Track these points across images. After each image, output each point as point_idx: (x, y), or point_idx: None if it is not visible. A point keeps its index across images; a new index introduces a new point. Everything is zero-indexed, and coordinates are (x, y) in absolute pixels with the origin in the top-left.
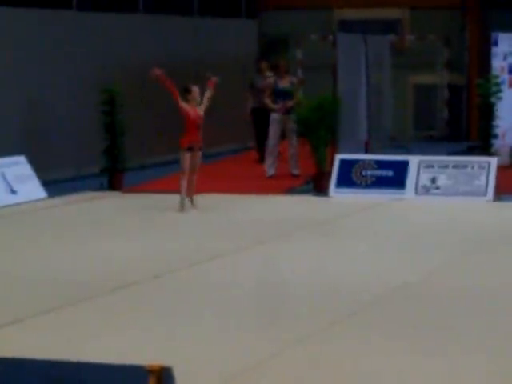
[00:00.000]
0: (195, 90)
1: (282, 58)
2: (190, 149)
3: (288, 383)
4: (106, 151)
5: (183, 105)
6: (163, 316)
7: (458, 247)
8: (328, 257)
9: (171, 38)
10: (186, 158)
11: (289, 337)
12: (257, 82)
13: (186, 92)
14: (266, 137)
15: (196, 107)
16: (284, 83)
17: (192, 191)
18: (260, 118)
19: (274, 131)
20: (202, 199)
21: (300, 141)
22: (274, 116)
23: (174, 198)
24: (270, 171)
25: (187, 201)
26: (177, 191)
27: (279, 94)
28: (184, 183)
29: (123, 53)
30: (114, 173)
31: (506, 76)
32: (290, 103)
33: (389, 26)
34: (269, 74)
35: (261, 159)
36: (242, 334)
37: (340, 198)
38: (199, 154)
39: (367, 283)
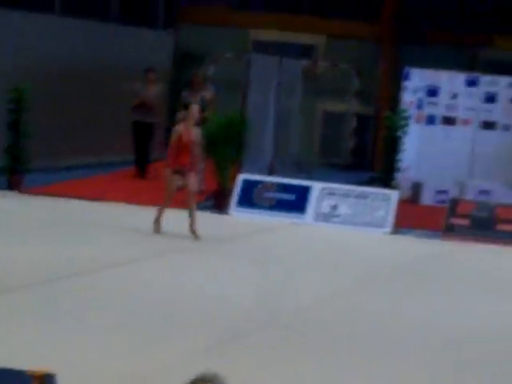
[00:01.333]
0: (195, 108)
1: (195, 74)
2: (177, 172)
3: None
4: (7, 150)
5: (177, 127)
6: (49, 321)
7: (347, 277)
8: (218, 277)
9: (85, 42)
10: (172, 181)
11: (172, 353)
12: (142, 92)
13: (185, 109)
14: (146, 152)
15: (190, 129)
16: (195, 98)
17: (193, 220)
18: (141, 132)
19: None
20: (100, 207)
21: (206, 157)
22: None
23: (72, 203)
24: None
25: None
26: (73, 196)
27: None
28: (164, 206)
29: (37, 53)
30: (13, 172)
31: (413, 110)
32: (206, 114)
33: (303, 51)
34: (154, 85)
35: (141, 174)
36: (128, 344)
37: (239, 217)
38: (192, 176)
39: (252, 307)
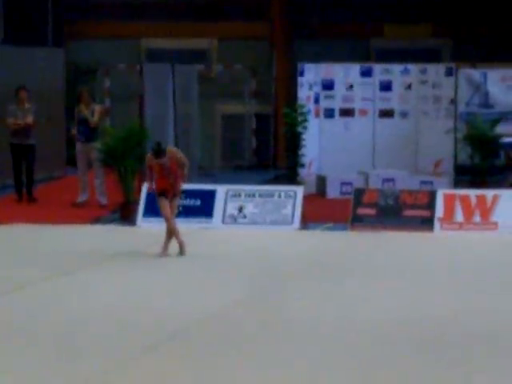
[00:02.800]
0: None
1: (81, 90)
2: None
3: None
4: None
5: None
6: None
7: (261, 277)
8: (130, 289)
9: None
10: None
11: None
12: (13, 113)
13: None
14: (30, 175)
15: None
16: (87, 112)
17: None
18: (18, 155)
19: (79, 162)
20: (6, 229)
21: (107, 170)
22: (78, 146)
23: None
24: (82, 197)
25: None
26: None
27: (80, 123)
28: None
29: None
30: None
31: (311, 105)
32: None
33: (197, 56)
34: (27, 104)
35: (20, 198)
36: (48, 366)
37: (147, 227)
38: (175, 200)
39: (165, 317)
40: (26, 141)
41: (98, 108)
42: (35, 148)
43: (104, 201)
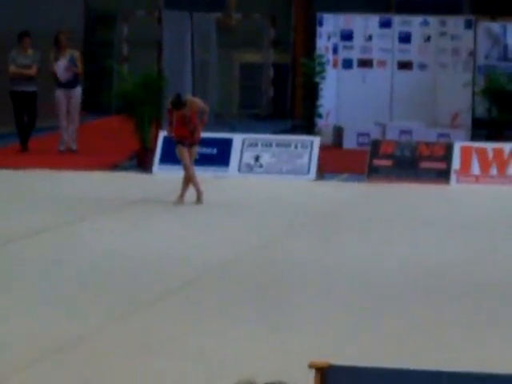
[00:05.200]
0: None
1: (60, 32)
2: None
3: (113, 356)
4: None
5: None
6: None
7: (276, 226)
8: (146, 236)
9: None
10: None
11: (112, 312)
12: (17, 60)
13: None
14: (31, 124)
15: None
16: (64, 58)
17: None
18: (20, 103)
19: (60, 109)
20: (21, 175)
21: (124, 116)
22: (59, 93)
23: None
24: (61, 146)
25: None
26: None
27: (60, 68)
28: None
29: None
30: None
31: (330, 56)
32: (74, 69)
33: (215, 4)
34: (30, 51)
35: (24, 148)
36: (64, 310)
37: (163, 175)
38: (193, 148)
39: (187, 261)
40: (28, 88)
41: (77, 54)
42: (37, 95)
43: (74, 147)
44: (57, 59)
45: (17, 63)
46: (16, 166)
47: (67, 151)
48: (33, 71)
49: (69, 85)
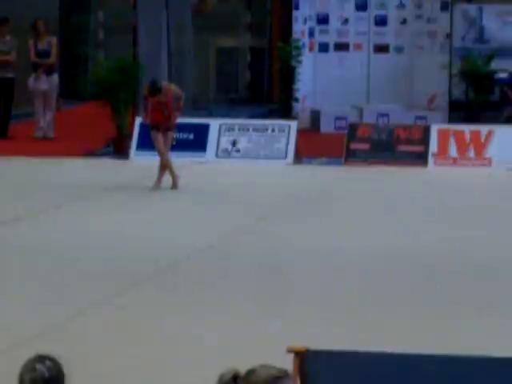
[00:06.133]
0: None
1: (37, 19)
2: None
3: (87, 344)
4: None
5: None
6: None
7: (253, 210)
8: (122, 222)
9: None
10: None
11: (87, 299)
12: None
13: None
14: (7, 110)
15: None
16: (42, 44)
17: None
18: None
19: (36, 96)
20: (0, 162)
21: (100, 103)
22: (32, 80)
23: None
24: (38, 133)
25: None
26: None
27: (39, 55)
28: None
29: None
30: None
31: (306, 40)
32: (49, 62)
33: None
34: (8, 37)
35: (1, 134)
36: (40, 297)
37: (140, 161)
38: (169, 134)
39: (163, 246)
40: (6, 74)
41: (54, 40)
42: (14, 81)
43: (51, 134)
44: (35, 45)
45: None
46: None
47: (44, 138)
48: (11, 57)
49: (46, 72)
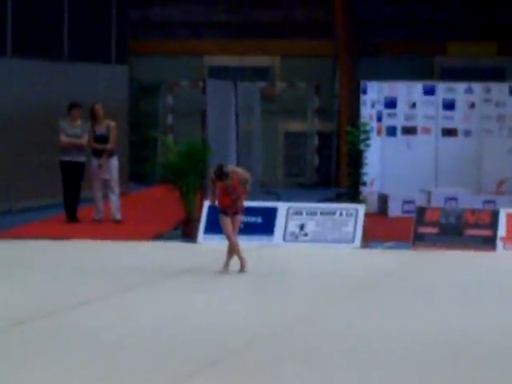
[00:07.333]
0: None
1: (96, 103)
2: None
3: None
4: None
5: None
6: (23, 364)
7: (319, 295)
8: (191, 306)
9: (40, 83)
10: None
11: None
12: (67, 130)
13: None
14: (77, 194)
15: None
16: (100, 129)
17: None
18: (69, 173)
19: (95, 179)
20: (67, 245)
21: (168, 186)
22: (95, 162)
23: (42, 244)
24: (97, 216)
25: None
26: (44, 236)
27: (97, 140)
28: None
29: None
30: None
31: (374, 124)
32: (107, 147)
33: (259, 73)
34: (80, 122)
35: (70, 217)
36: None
37: (208, 244)
38: (237, 217)
39: (227, 334)
40: (78, 158)
41: (113, 125)
42: (85, 166)
43: (118, 216)
44: (93, 130)
45: (67, 133)
46: (61, 237)
47: (112, 221)
48: (84, 141)
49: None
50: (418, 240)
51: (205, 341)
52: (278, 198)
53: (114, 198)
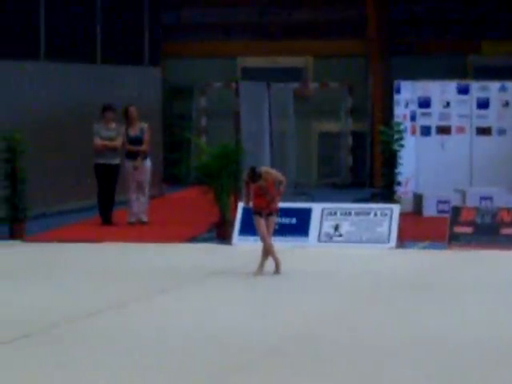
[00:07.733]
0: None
1: (130, 105)
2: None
3: None
4: (7, 199)
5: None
6: (58, 369)
7: (354, 296)
8: (226, 307)
9: (73, 86)
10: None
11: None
12: (101, 132)
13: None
14: (111, 196)
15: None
16: (134, 131)
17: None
18: (104, 176)
19: (131, 181)
20: (102, 247)
21: (202, 188)
22: (130, 165)
23: (77, 247)
24: (131, 218)
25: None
26: (79, 239)
27: (131, 142)
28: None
29: (25, 101)
30: (14, 221)
31: (408, 123)
32: (141, 149)
33: (292, 74)
34: (113, 124)
35: (105, 220)
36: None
37: (243, 245)
38: (271, 218)
39: (261, 335)
40: (112, 161)
41: (147, 127)
42: (119, 168)
43: (145, 218)
44: (127, 132)
45: (101, 136)
46: (96, 239)
47: (138, 223)
48: (118, 143)
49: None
50: (454, 240)
51: (237, 342)
52: (312, 199)
53: (144, 200)
